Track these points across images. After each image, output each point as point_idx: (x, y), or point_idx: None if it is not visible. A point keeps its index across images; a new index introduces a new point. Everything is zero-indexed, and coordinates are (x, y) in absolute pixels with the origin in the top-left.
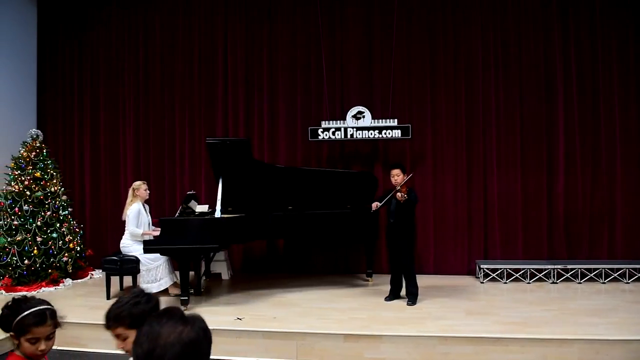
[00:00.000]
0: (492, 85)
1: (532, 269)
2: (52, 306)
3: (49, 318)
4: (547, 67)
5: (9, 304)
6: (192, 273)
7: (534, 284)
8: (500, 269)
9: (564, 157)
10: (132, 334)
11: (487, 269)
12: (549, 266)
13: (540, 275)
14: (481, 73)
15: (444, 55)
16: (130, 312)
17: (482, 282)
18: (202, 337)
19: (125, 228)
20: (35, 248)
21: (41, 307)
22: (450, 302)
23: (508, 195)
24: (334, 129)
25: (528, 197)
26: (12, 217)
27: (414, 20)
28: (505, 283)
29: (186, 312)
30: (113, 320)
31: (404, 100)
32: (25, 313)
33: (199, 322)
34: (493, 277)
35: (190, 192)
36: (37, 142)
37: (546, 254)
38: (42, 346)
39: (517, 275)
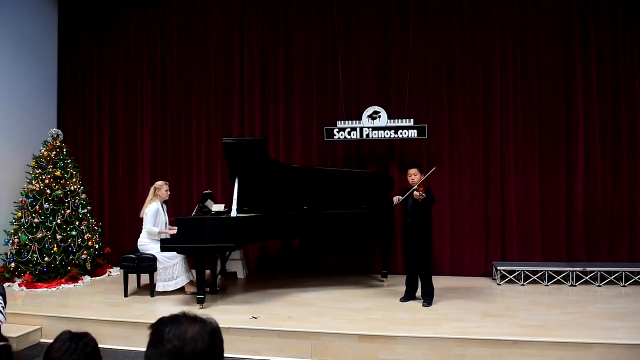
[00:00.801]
0: (510, 84)
1: (551, 271)
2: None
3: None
4: (567, 66)
5: None
6: (207, 272)
7: (552, 287)
8: (518, 270)
9: (584, 157)
10: None
11: (504, 270)
12: (568, 268)
13: (559, 277)
14: (499, 72)
15: (461, 54)
16: None
17: (499, 284)
18: (219, 328)
19: (143, 226)
20: (55, 245)
21: None
22: (466, 304)
23: (526, 195)
24: (349, 129)
25: (546, 198)
26: (33, 215)
27: (431, 19)
28: (523, 285)
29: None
30: None
31: (420, 100)
32: None
33: (207, 318)
34: (510, 279)
35: (207, 192)
36: (58, 141)
37: (565, 256)
38: None
39: (534, 277)
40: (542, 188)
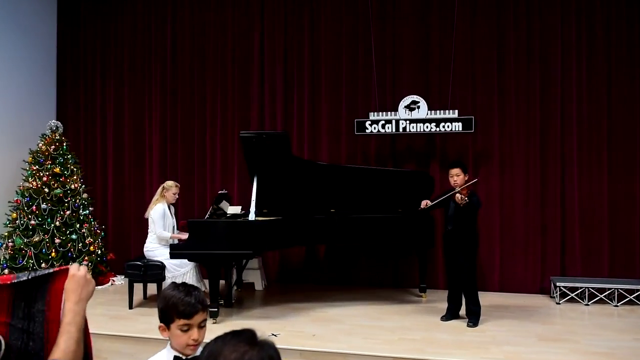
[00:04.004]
0: (574, 70)
1: (621, 289)
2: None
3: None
4: None
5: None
6: (222, 282)
7: (622, 308)
8: (581, 288)
9: None
10: None
11: (565, 287)
12: None
13: (631, 297)
14: (560, 56)
15: (514, 35)
16: None
17: (558, 303)
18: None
19: (149, 230)
20: (54, 250)
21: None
22: (519, 325)
23: (591, 201)
24: (383, 122)
25: (616, 204)
26: (29, 217)
27: None
28: (587, 305)
29: (259, 336)
30: None
31: (466, 89)
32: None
33: (268, 347)
34: (572, 298)
35: (222, 192)
36: (57, 134)
37: (638, 272)
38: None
39: (601, 296)
40: (611, 192)
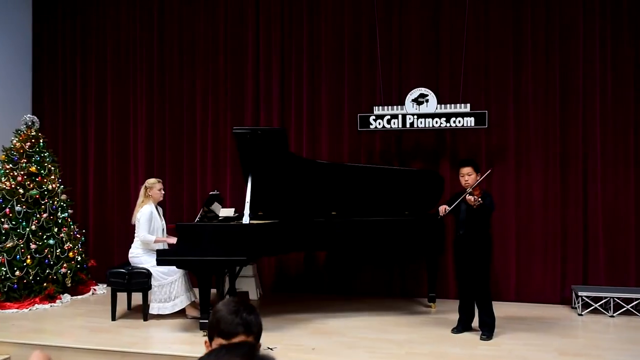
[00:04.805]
0: (597, 61)
1: None
2: None
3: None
4: None
5: None
6: (213, 291)
7: None
8: (606, 298)
9: None
10: None
11: (588, 297)
12: None
13: None
14: (582, 43)
15: (532, 22)
16: None
17: (581, 314)
18: None
19: (135, 234)
20: (29, 257)
21: None
22: (537, 338)
23: (617, 202)
24: (389, 117)
25: None
26: (2, 220)
27: None
28: (612, 317)
29: (262, 351)
30: None
31: (479, 81)
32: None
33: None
34: (595, 309)
35: (213, 193)
36: (33, 130)
37: None
38: None
39: (628, 306)
40: (638, 191)
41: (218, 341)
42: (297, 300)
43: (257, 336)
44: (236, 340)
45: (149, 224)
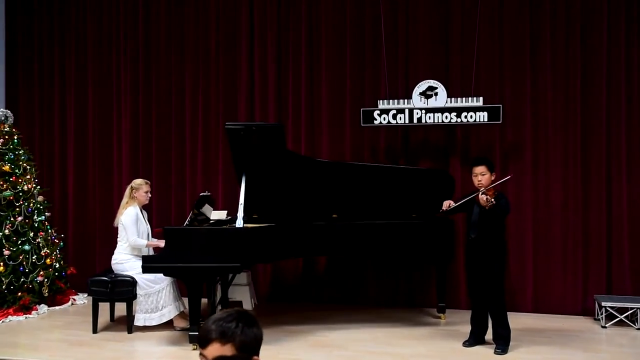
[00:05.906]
0: (622, 52)
1: None
2: None
3: None
4: None
5: None
6: (204, 301)
7: None
8: (632, 309)
9: None
10: None
11: (612, 308)
12: None
13: None
14: (605, 32)
15: (550, 10)
16: None
17: (604, 327)
18: None
19: (118, 239)
20: (2, 264)
21: None
22: (556, 352)
23: None
24: (395, 111)
25: None
26: None
27: None
28: (639, 329)
29: None
30: None
31: (493, 73)
32: None
33: None
34: (620, 320)
35: (204, 194)
36: (6, 126)
37: None
38: None
39: None
40: None
41: (199, 350)
42: (295, 310)
43: (245, 347)
44: (211, 347)
45: (136, 227)
